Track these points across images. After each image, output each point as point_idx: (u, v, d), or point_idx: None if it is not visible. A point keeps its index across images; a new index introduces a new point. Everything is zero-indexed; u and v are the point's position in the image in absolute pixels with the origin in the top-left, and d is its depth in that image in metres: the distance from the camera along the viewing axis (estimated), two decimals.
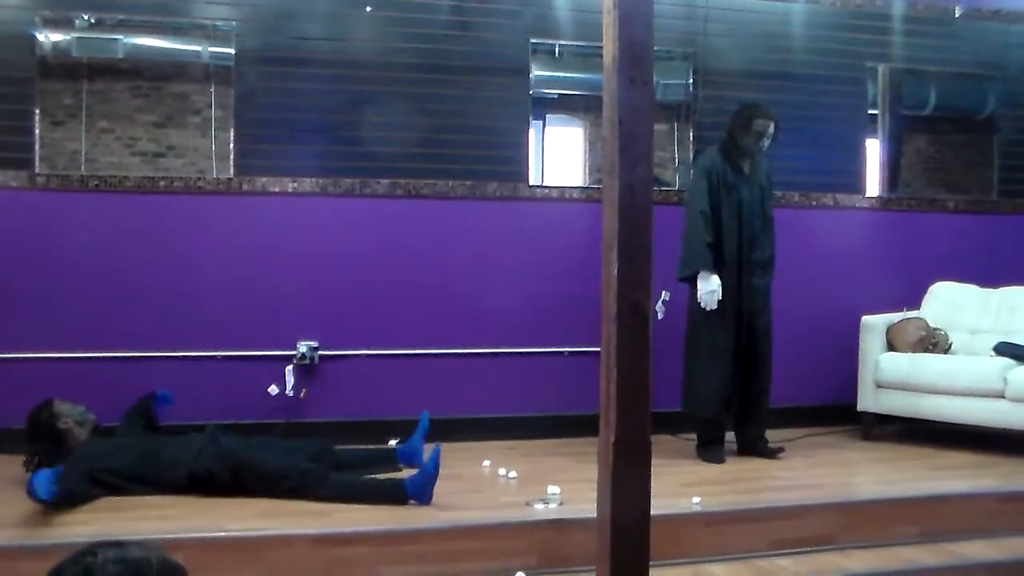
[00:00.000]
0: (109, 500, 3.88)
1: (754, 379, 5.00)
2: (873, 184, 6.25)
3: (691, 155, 5.79)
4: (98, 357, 4.96)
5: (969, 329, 5.66)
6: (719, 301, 4.83)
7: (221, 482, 3.97)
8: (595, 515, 2.68)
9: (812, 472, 4.62)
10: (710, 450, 4.92)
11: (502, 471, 4.50)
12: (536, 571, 3.47)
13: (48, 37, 5.08)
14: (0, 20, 4.94)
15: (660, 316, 5.32)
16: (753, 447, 4.99)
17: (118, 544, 1.41)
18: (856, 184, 6.11)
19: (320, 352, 5.21)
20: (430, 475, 3.99)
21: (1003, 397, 4.98)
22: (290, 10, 5.26)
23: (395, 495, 3.98)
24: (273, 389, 5.12)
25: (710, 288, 4.79)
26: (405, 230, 5.37)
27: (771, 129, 4.97)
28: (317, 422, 5.13)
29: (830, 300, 5.80)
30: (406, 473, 4.20)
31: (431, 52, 5.40)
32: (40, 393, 4.84)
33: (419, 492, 3.98)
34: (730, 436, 5.06)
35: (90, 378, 4.92)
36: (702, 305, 4.81)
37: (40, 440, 4.21)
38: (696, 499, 3.88)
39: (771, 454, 4.93)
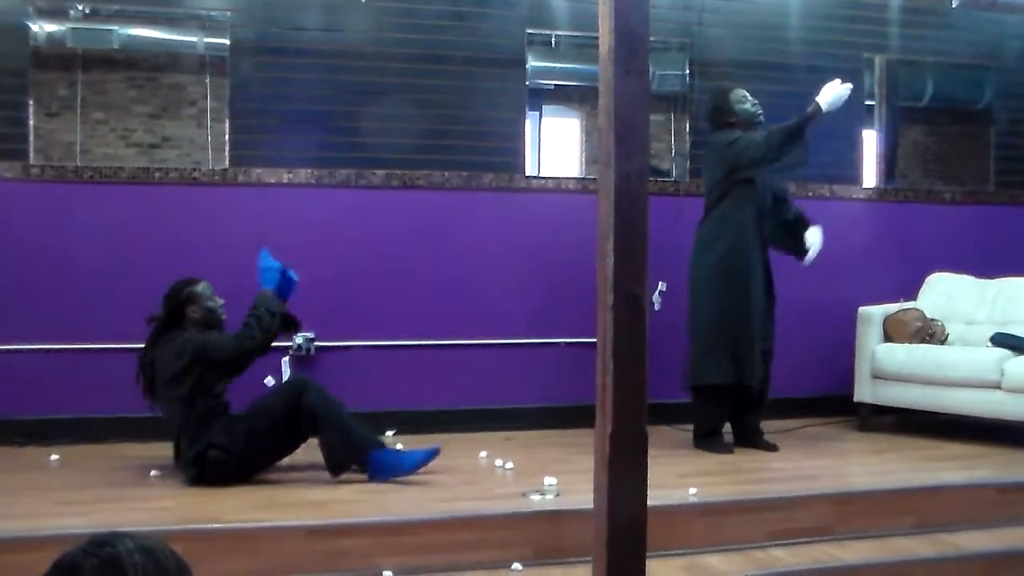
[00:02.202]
0: (101, 492, 3.89)
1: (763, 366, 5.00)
2: (870, 175, 6.25)
3: (688, 146, 5.79)
4: (93, 349, 4.95)
5: (966, 320, 5.66)
6: (737, 270, 4.86)
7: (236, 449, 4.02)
8: (592, 506, 2.68)
9: (808, 463, 4.63)
10: (713, 441, 4.90)
11: (499, 462, 4.49)
12: (532, 562, 3.47)
13: (42, 27, 5.06)
14: None
15: (657, 307, 5.32)
16: (751, 439, 4.98)
17: (127, 535, 1.37)
18: (853, 175, 6.11)
19: (316, 343, 5.21)
20: (402, 468, 4.09)
21: (999, 388, 4.98)
22: (285, 0, 5.24)
23: (356, 449, 4.07)
24: (269, 380, 5.11)
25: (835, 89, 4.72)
26: (401, 221, 5.36)
27: (749, 95, 5.01)
28: None
29: (827, 291, 5.79)
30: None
31: (427, 43, 5.39)
32: (34, 385, 4.84)
33: (379, 469, 4.06)
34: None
35: (84, 370, 4.92)
36: (842, 93, 4.71)
37: (166, 305, 4.27)
38: (693, 490, 3.88)
39: (769, 447, 4.92)
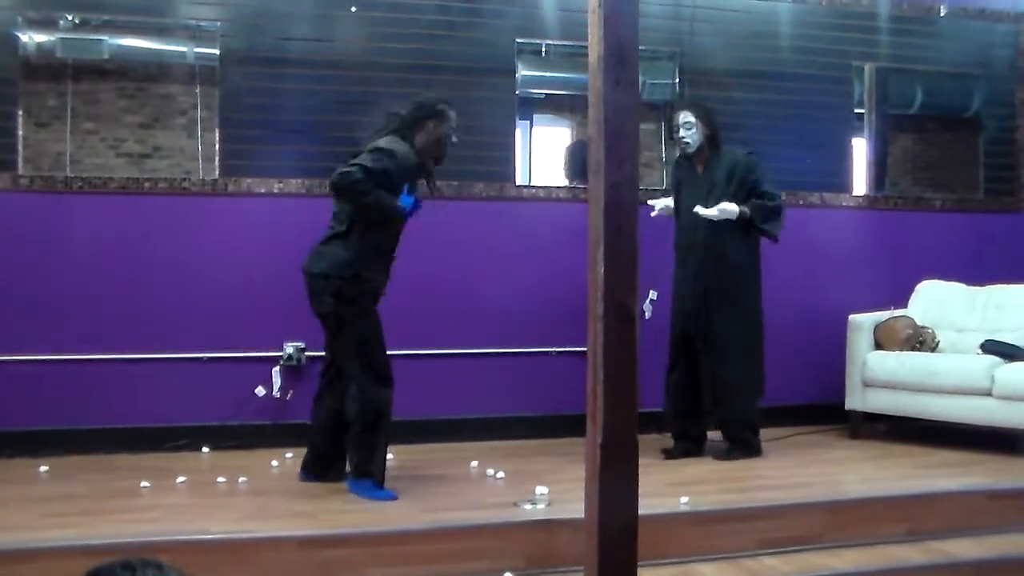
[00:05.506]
0: (90, 503, 3.87)
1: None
2: (860, 183, 6.26)
3: (677, 154, 5.79)
4: (83, 359, 4.94)
5: (956, 327, 5.67)
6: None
7: None
8: (583, 515, 2.67)
9: (800, 471, 4.63)
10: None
11: (490, 471, 4.49)
12: (524, 572, 3.46)
13: (32, 38, 5.06)
14: None
15: (647, 316, 5.32)
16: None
17: (145, 562, 1.38)
18: (843, 183, 6.12)
19: (307, 353, 5.19)
20: None
21: (990, 395, 4.98)
22: (275, 10, 5.24)
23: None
24: (260, 390, 5.10)
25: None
26: None
27: (681, 118, 4.93)
28: (304, 423, 5.09)
29: (817, 299, 5.81)
30: None
31: (417, 52, 5.39)
32: (24, 397, 4.83)
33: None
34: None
35: (75, 380, 4.90)
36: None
37: (411, 109, 4.19)
38: (684, 499, 3.87)
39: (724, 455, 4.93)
